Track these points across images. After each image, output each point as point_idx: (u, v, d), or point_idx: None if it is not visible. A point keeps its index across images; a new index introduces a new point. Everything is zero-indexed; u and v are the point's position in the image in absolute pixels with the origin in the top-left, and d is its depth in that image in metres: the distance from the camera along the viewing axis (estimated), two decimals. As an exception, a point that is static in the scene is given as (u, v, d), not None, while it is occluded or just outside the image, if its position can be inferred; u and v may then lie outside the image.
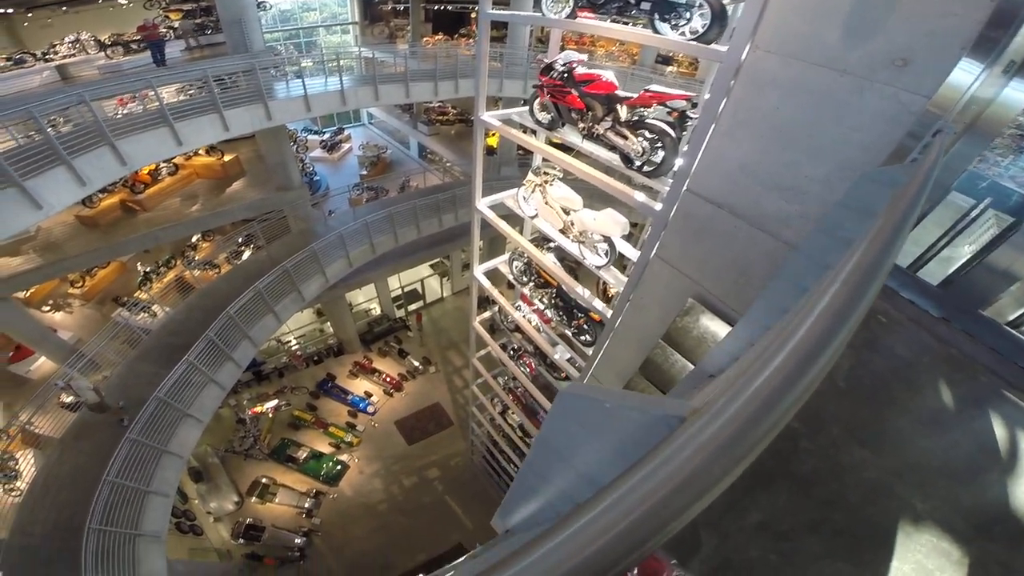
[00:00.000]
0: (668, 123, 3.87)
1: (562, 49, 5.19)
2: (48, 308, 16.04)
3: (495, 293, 7.72)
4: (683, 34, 3.42)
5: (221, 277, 14.73)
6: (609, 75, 4.42)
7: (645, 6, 3.73)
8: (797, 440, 1.81)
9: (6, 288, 11.91)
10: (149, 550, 7.89)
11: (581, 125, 4.74)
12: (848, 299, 0.75)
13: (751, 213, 2.83)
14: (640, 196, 4.02)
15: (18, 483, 9.15)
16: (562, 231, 5.76)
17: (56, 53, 14.15)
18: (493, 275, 7.98)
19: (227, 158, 15.86)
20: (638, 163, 4.12)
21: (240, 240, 16.04)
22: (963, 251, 2.52)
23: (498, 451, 12.38)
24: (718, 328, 3.64)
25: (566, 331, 6.71)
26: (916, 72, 2.09)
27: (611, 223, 4.96)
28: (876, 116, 2.17)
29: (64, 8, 17.46)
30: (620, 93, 4.28)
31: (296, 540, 15.08)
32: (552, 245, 6.20)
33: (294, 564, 14.95)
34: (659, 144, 3.87)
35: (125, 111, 9.99)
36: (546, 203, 5.84)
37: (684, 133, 3.84)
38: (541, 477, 2.33)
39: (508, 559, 0.59)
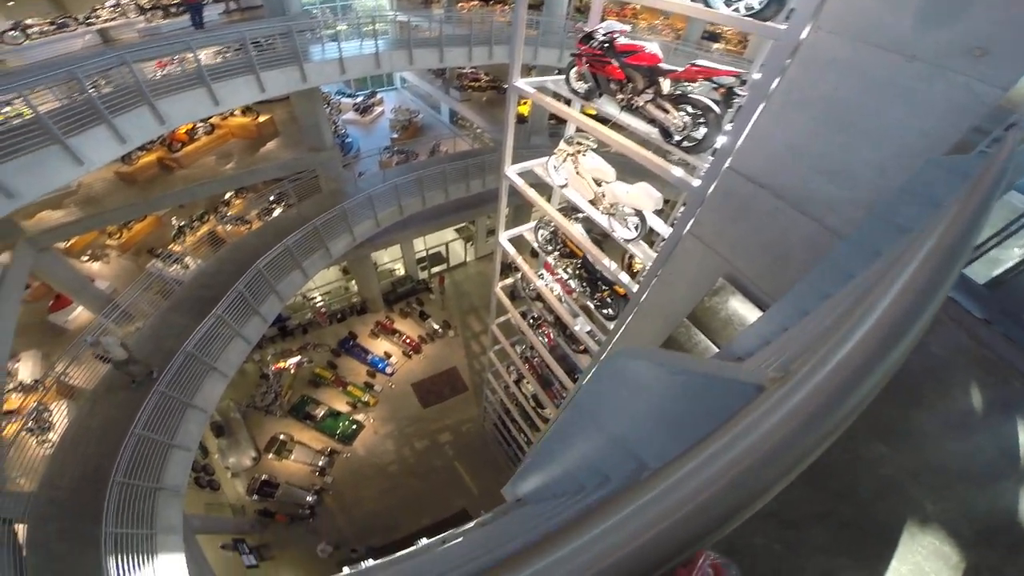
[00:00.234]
0: (713, 99, 3.78)
1: (603, 19, 5.02)
2: (87, 258, 16.71)
3: (519, 260, 7.75)
4: (737, 10, 3.29)
5: (252, 233, 15.11)
6: (653, 47, 4.29)
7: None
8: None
9: (49, 238, 12.40)
10: (168, 504, 8.15)
11: (620, 96, 4.64)
12: (936, 272, 0.72)
13: (795, 195, 2.77)
14: (678, 171, 3.96)
15: (50, 435, 9.39)
16: (592, 202, 5.72)
17: (98, 17, 14.23)
18: (517, 242, 8.00)
19: (262, 119, 16.00)
20: (678, 138, 4.04)
21: (272, 198, 16.38)
22: (1013, 253, 2.44)
23: (510, 419, 12.56)
24: (747, 311, 3.62)
25: (588, 303, 6.73)
26: (995, 63, 1.98)
27: (644, 197, 4.91)
28: (943, 105, 2.09)
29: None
30: (664, 66, 4.16)
31: (308, 498, 15.34)
32: (581, 216, 6.17)
33: (304, 521, 15.24)
34: (702, 120, 3.78)
35: (163, 72, 10.08)
36: (577, 173, 5.79)
37: (729, 110, 3.74)
38: (568, 445, 2.38)
39: (579, 523, 0.57)
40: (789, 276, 3.09)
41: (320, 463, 16.29)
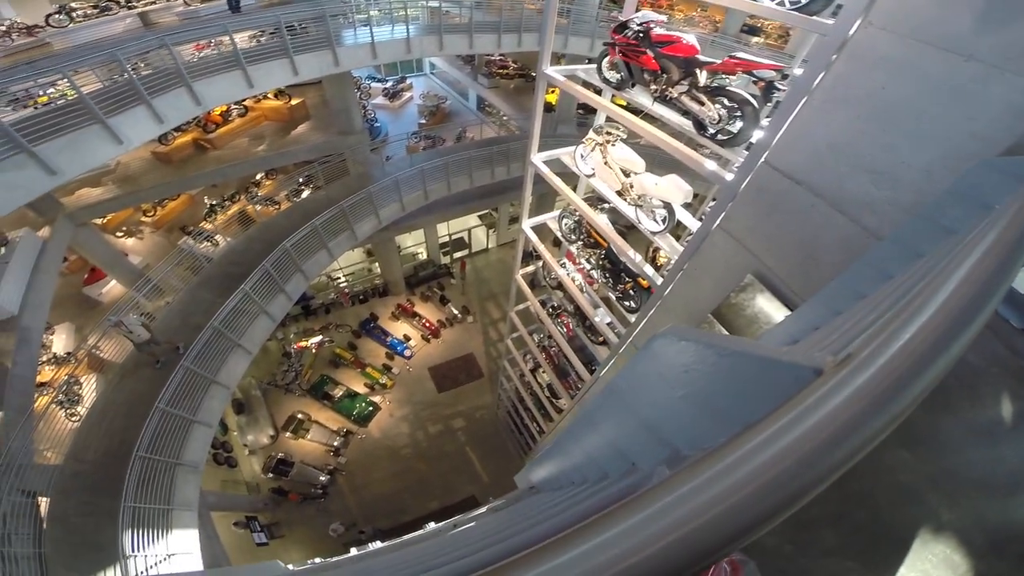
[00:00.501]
0: (751, 93, 3.72)
1: (638, 9, 4.94)
2: (121, 234, 17.31)
3: (541, 248, 7.74)
4: (782, 3, 3.21)
5: (281, 213, 15.47)
6: (690, 38, 4.22)
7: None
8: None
9: (87, 215, 12.90)
10: (187, 479, 8.31)
11: (653, 87, 4.59)
12: (1001, 261, 0.70)
13: (833, 194, 2.73)
14: (711, 164, 3.92)
15: (79, 408, 9.64)
16: (619, 193, 5.68)
17: (139, 1, 14.56)
18: (540, 231, 7.99)
19: (294, 102, 16.27)
20: (712, 131, 3.99)
21: (301, 180, 16.67)
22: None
23: (523, 408, 12.54)
24: (774, 310, 3.58)
25: (610, 294, 6.71)
26: (1058, 66, 1.90)
27: (674, 189, 4.87)
28: (999, 107, 2.03)
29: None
30: (701, 58, 4.10)
31: (321, 478, 15.56)
32: (607, 206, 6.13)
33: (315, 501, 15.43)
34: (738, 113, 3.72)
35: (201, 55, 10.31)
36: (605, 163, 5.75)
37: (768, 105, 3.67)
38: (595, 430, 2.40)
39: (632, 504, 0.55)
40: (820, 276, 3.05)
41: (335, 443, 16.46)
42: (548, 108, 18.78)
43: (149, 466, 7.72)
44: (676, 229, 5.31)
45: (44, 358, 11.92)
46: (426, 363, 19.12)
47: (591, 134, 5.90)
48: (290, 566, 4.18)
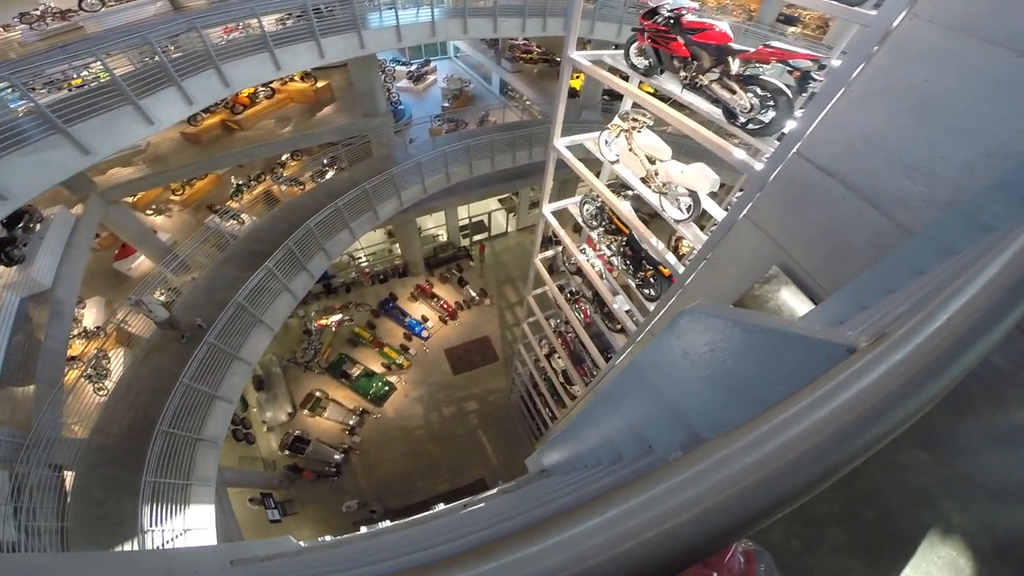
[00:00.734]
0: (786, 83, 3.65)
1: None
2: (151, 212, 17.82)
3: (562, 233, 7.74)
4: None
5: (305, 193, 15.74)
6: (724, 26, 4.14)
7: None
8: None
9: (118, 193, 13.28)
10: (206, 455, 8.43)
11: (683, 74, 4.52)
12: None
13: (866, 187, 2.68)
14: (740, 153, 3.88)
15: (106, 382, 9.89)
16: (643, 180, 5.64)
17: None
18: (560, 216, 7.97)
19: (320, 84, 16.38)
20: (743, 119, 3.93)
21: (325, 161, 16.81)
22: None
23: (536, 393, 12.60)
24: (797, 303, 3.55)
25: (630, 281, 6.70)
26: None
27: (701, 177, 4.82)
28: (1051, 105, 1.96)
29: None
30: (734, 46, 4.02)
31: (335, 456, 15.71)
32: (630, 193, 6.10)
33: (329, 479, 15.61)
34: (771, 103, 3.66)
35: (229, 38, 10.45)
36: (630, 150, 5.71)
37: (803, 95, 3.60)
38: (615, 411, 2.43)
39: (658, 475, 0.54)
40: (847, 270, 3.02)
41: (351, 422, 16.62)
42: (572, 94, 18.55)
43: (171, 441, 7.86)
44: (699, 219, 5.26)
45: (75, 332, 12.32)
46: (443, 345, 19.28)
47: (616, 120, 5.84)
48: (302, 543, 4.28)
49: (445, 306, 20.11)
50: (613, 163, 6.03)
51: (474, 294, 20.52)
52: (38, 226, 10.61)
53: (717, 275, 4.53)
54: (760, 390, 0.99)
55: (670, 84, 4.74)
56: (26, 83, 7.14)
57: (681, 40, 4.39)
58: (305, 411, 16.83)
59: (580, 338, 8.45)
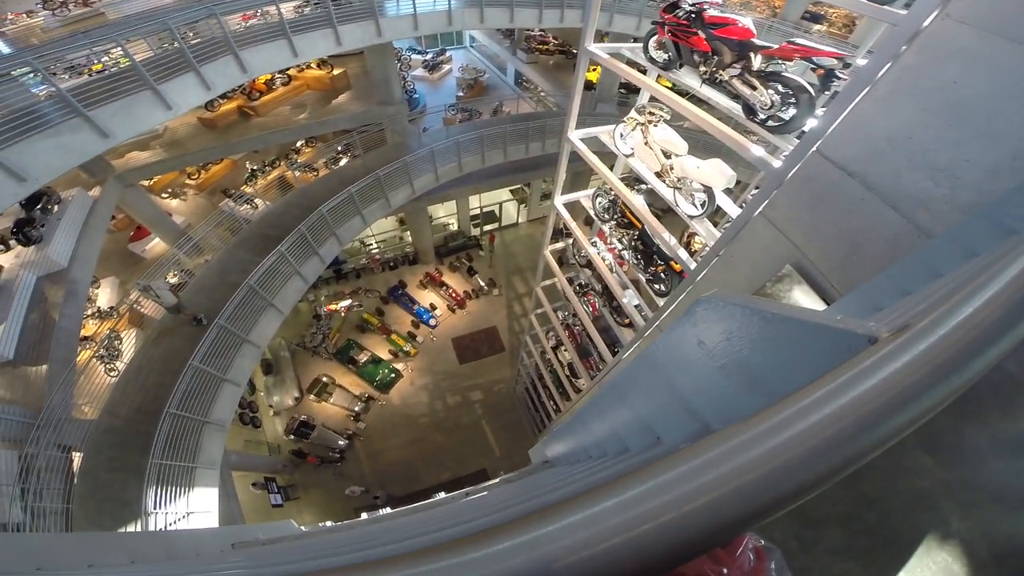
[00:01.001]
0: (808, 80, 3.60)
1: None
2: (167, 195, 18.05)
3: (573, 225, 7.72)
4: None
5: (319, 179, 15.78)
6: (747, 21, 4.08)
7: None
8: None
9: (135, 176, 13.48)
10: (212, 438, 8.50)
11: (703, 69, 4.47)
12: None
13: (887, 188, 2.65)
14: (758, 150, 3.84)
15: (118, 363, 9.92)
16: (658, 174, 5.61)
17: None
18: (572, 208, 7.95)
19: (336, 72, 16.43)
20: (762, 116, 3.89)
21: (339, 148, 16.88)
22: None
23: (542, 385, 12.60)
24: (810, 303, 3.54)
25: (640, 276, 6.67)
26: None
27: (717, 173, 4.78)
28: (1084, 110, 1.91)
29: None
30: (757, 41, 3.97)
31: (340, 442, 15.78)
32: (644, 187, 6.06)
33: (332, 465, 15.70)
34: (792, 100, 3.62)
35: (247, 25, 10.48)
36: (646, 144, 5.67)
37: (826, 93, 3.56)
38: (624, 402, 2.42)
39: (674, 460, 0.52)
40: (862, 272, 2.99)
41: (357, 408, 16.68)
42: (588, 86, 18.38)
43: (178, 423, 7.93)
44: (713, 215, 5.23)
45: (88, 312, 12.45)
46: (450, 333, 19.34)
47: (633, 113, 5.80)
48: (303, 527, 4.31)
49: (454, 295, 20.17)
50: (628, 156, 6.00)
51: (483, 284, 20.55)
52: (56, 207, 10.80)
53: (729, 272, 4.51)
54: (776, 381, 0.99)
55: (689, 79, 4.69)
56: (48, 68, 7.18)
57: (703, 35, 4.34)
58: (311, 396, 16.91)
59: (587, 331, 8.42)
